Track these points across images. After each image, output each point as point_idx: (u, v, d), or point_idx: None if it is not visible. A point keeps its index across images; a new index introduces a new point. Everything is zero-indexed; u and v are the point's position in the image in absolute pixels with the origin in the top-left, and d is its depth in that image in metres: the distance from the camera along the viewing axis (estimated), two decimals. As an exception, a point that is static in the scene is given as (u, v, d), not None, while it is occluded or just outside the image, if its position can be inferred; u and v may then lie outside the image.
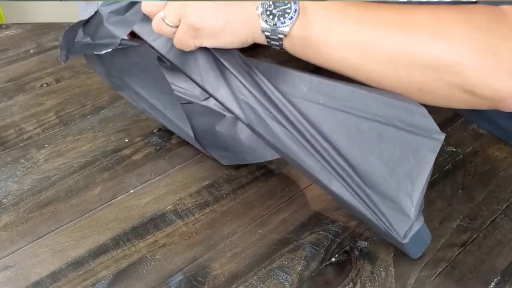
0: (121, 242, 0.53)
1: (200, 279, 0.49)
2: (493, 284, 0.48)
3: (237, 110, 0.50)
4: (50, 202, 0.58)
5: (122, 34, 0.55)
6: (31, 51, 0.89)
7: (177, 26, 0.50)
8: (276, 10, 0.48)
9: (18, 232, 0.54)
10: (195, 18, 0.48)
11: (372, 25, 0.47)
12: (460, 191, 0.56)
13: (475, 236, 0.53)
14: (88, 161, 0.63)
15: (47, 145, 0.66)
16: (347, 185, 0.48)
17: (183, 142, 0.66)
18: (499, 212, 0.55)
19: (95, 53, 0.58)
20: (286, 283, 0.48)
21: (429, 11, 0.47)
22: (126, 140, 0.67)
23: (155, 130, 0.68)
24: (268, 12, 0.48)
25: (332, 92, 0.48)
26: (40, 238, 0.53)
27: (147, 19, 0.52)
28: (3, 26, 0.98)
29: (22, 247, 0.52)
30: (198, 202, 0.57)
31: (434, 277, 0.49)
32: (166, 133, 0.67)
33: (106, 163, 0.63)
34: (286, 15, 0.48)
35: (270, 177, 0.61)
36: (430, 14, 0.47)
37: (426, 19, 0.47)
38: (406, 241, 0.46)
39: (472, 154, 0.62)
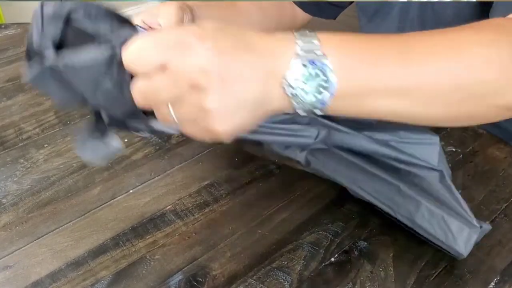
0: (121, 242, 0.53)
1: (200, 279, 0.49)
2: (492, 284, 0.48)
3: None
4: (49, 202, 0.58)
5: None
6: (31, 51, 0.89)
7: None
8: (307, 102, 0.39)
9: (18, 232, 0.54)
10: (217, 125, 0.38)
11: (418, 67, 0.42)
12: (460, 191, 0.55)
13: (474, 236, 0.53)
14: (87, 161, 0.63)
15: (46, 145, 0.66)
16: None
17: (183, 142, 0.66)
18: (498, 212, 0.55)
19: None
20: (286, 283, 0.48)
21: (466, 45, 0.43)
22: (126, 140, 0.66)
23: (155, 130, 0.68)
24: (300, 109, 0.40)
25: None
26: (39, 238, 0.53)
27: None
28: (3, 26, 0.98)
29: (21, 247, 0.52)
30: (197, 202, 0.57)
31: (433, 277, 0.49)
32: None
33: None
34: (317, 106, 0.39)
35: (270, 177, 0.61)
36: (475, 51, 0.43)
37: (468, 55, 0.43)
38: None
39: (472, 154, 0.62)
